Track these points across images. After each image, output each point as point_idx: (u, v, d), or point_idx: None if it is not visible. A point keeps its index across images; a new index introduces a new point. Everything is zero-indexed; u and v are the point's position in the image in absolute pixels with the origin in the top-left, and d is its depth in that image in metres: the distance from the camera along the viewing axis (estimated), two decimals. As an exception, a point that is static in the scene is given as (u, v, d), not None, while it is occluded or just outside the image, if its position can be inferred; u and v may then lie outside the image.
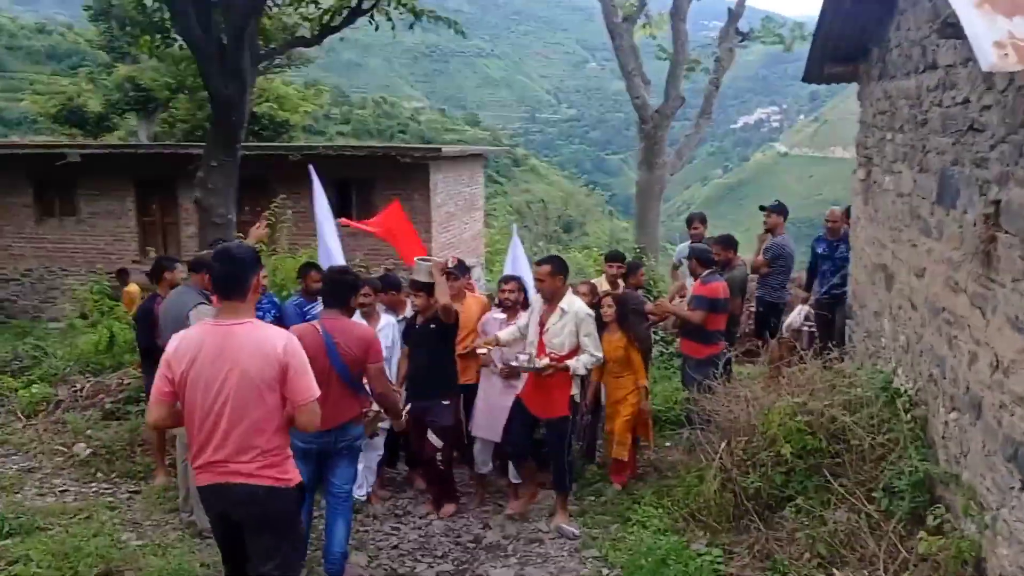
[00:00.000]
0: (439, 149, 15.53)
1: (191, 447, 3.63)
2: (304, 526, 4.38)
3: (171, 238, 15.78)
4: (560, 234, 29.90)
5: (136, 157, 15.73)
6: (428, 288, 5.91)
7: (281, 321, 6.47)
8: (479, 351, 6.27)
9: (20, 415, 7.84)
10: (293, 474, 3.68)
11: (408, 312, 6.83)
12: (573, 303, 5.81)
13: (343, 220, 7.69)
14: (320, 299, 6.69)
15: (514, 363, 5.85)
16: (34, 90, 28.21)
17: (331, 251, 7.38)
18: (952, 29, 3.51)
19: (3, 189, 16.10)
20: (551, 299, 5.82)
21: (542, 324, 5.84)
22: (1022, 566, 3.62)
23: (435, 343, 6.02)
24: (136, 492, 6.31)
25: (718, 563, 4.87)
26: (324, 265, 7.31)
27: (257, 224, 6.80)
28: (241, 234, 9.13)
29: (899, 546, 4.42)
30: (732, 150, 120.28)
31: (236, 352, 3.49)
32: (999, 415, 3.88)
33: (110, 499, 6.15)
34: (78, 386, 8.35)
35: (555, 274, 5.76)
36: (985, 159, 4.11)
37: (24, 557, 4.65)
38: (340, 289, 4.98)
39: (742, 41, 16.35)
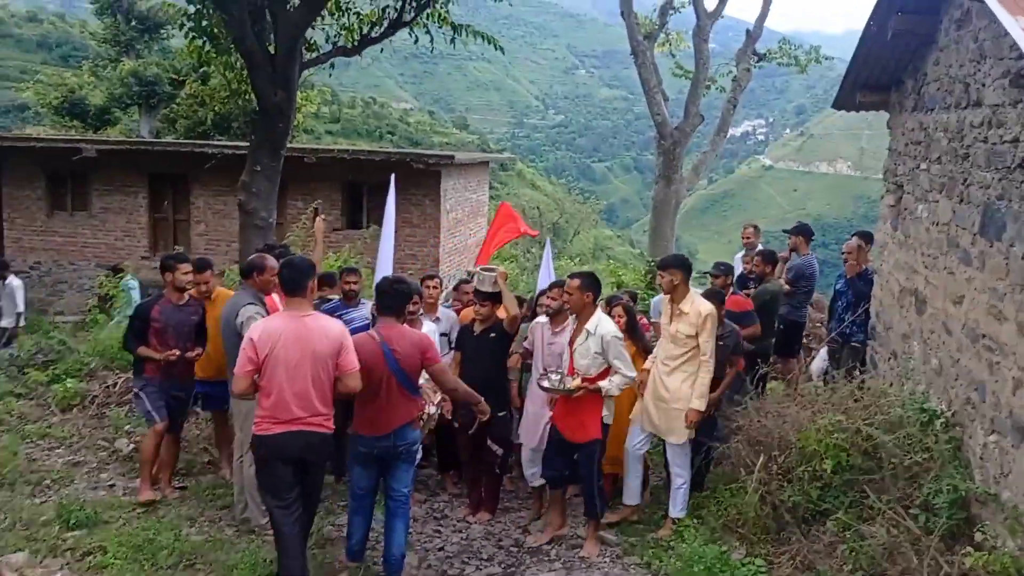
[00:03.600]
0: (452, 156, 15.71)
1: (268, 408, 4.55)
2: None
3: (182, 235, 15.84)
4: (554, 241, 30.14)
5: (150, 154, 15.79)
6: (493, 298, 6.08)
7: None
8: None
9: (55, 409, 7.94)
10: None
11: (441, 315, 7.05)
12: (600, 324, 5.62)
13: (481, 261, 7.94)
14: (357, 303, 6.91)
15: (545, 384, 5.66)
16: (37, 80, 28.10)
17: (388, 261, 7.51)
18: (1024, 80, 3.77)
19: (16, 182, 16.13)
20: (578, 316, 5.68)
21: (571, 343, 5.71)
22: (1067, 583, 3.88)
23: (495, 353, 6.13)
24: (182, 488, 6.44)
25: (761, 572, 5.06)
26: (381, 272, 7.50)
27: (320, 219, 7.08)
28: (275, 238, 9.29)
29: (939, 560, 4.66)
30: (718, 161, 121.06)
31: (310, 337, 4.56)
32: (1047, 439, 4.13)
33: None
34: (109, 382, 8.47)
35: (583, 289, 5.59)
36: (1037, 197, 4.38)
37: (98, 549, 4.78)
38: (396, 298, 5.16)
39: (759, 62, 16.73)
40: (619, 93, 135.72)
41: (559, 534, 6.07)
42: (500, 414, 6.13)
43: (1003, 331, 4.69)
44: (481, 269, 6.31)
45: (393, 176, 7.59)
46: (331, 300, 6.93)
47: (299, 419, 4.52)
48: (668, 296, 6.11)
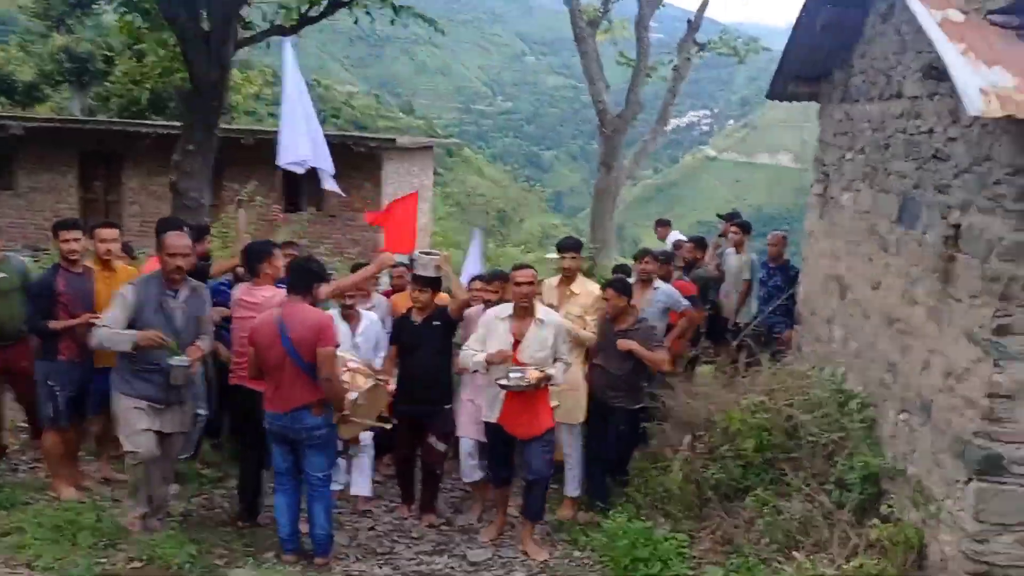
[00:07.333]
0: (393, 140, 15.65)
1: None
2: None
3: (114, 216, 15.45)
4: (499, 228, 30.21)
5: (80, 132, 15.37)
6: (434, 283, 5.83)
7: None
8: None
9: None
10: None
11: (374, 300, 6.74)
12: (548, 313, 5.59)
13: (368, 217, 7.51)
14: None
15: (504, 382, 5.30)
16: (-41, 55, 27.03)
17: (297, 141, 7.15)
18: (936, 72, 3.91)
19: (-64, 159, 15.57)
20: (518, 307, 5.48)
21: (516, 338, 5.47)
22: (963, 550, 4.09)
23: (438, 342, 5.84)
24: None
25: (683, 547, 5.19)
26: (282, 159, 7.23)
27: (242, 210, 6.94)
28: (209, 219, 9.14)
29: (849, 533, 4.86)
30: (663, 151, 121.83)
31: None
32: (949, 416, 4.33)
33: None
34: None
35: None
36: (947, 186, 4.56)
37: (16, 529, 4.69)
38: (304, 277, 4.98)
39: (699, 52, 16.98)
40: (567, 82, 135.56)
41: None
42: (446, 407, 5.90)
43: (915, 314, 4.88)
44: (420, 254, 6.00)
45: (287, 45, 7.19)
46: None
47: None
48: (559, 280, 6.43)
